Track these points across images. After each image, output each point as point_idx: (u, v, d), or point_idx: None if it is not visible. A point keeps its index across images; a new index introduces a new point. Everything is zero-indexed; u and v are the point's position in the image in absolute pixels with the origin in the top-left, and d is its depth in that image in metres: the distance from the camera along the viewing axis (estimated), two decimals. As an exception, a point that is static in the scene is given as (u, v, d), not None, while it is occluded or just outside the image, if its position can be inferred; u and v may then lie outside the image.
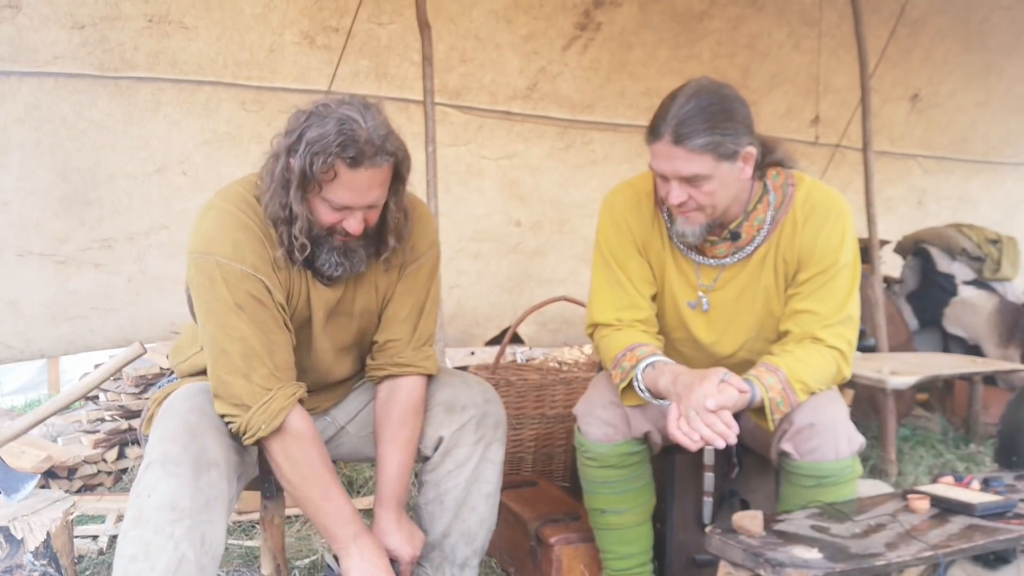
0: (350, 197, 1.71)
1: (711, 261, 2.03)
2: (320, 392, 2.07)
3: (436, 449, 2.00)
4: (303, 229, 1.75)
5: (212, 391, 1.79)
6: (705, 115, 1.80)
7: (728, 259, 2.02)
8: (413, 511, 2.11)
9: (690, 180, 1.84)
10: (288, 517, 2.80)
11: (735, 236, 1.99)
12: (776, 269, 1.99)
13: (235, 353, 1.74)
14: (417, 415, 1.98)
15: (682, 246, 2.04)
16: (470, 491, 1.99)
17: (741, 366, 1.93)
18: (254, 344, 1.74)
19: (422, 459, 2.03)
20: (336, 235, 1.78)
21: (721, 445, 1.73)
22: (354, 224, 1.75)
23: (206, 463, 1.69)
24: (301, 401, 1.83)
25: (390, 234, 1.86)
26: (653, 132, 1.86)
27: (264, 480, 2.04)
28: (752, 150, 1.88)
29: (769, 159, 1.97)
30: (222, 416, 1.78)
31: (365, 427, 2.08)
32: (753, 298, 2.02)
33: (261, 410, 1.74)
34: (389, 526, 1.90)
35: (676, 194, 1.86)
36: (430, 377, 2.02)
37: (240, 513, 2.87)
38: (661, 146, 1.84)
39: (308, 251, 1.78)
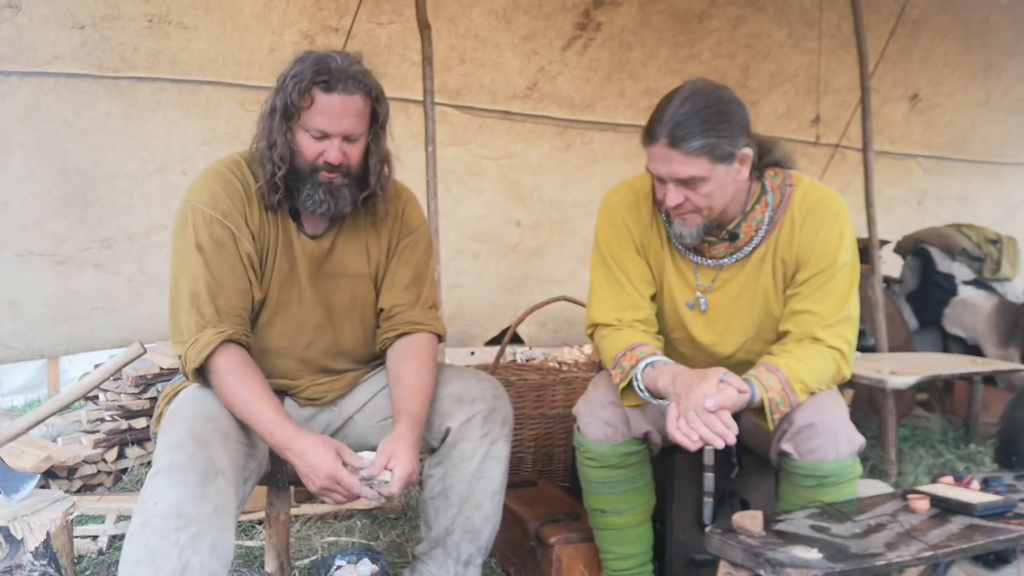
0: (326, 123, 1.83)
1: (709, 262, 2.03)
2: (325, 382, 2.09)
3: (443, 441, 2.01)
4: (283, 156, 1.86)
5: (171, 336, 1.91)
6: (701, 117, 1.81)
7: (726, 260, 2.02)
8: (415, 510, 2.10)
9: (686, 182, 1.84)
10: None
11: (733, 237, 1.99)
12: (775, 269, 1.99)
13: (185, 289, 1.88)
14: (433, 368, 2.01)
15: (680, 246, 2.05)
16: (475, 487, 2.00)
17: (740, 366, 1.93)
18: (201, 284, 1.86)
19: (429, 451, 2.04)
20: (320, 171, 1.87)
21: (720, 445, 1.73)
22: (333, 153, 1.85)
23: (213, 471, 1.71)
24: (242, 344, 1.88)
25: (372, 176, 1.95)
26: (649, 135, 1.86)
27: (276, 472, 2.04)
28: (748, 151, 1.88)
29: (767, 160, 1.97)
30: (177, 357, 1.88)
31: (371, 417, 2.10)
32: (752, 298, 2.02)
33: (193, 345, 1.84)
34: (397, 437, 1.83)
35: (673, 196, 1.87)
36: (440, 340, 2.08)
37: (240, 513, 2.86)
38: (657, 149, 1.85)
39: (284, 172, 1.86)
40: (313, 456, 1.76)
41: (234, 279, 1.90)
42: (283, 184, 1.88)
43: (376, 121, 1.92)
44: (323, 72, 1.80)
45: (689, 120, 1.80)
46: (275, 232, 1.96)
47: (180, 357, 1.87)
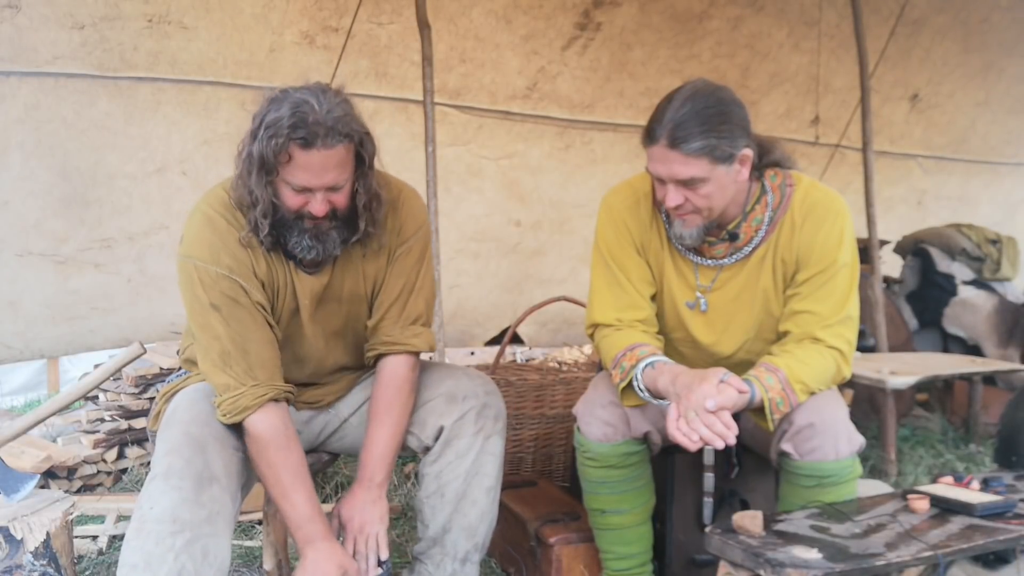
0: (307, 178, 1.75)
1: (708, 262, 2.03)
2: (323, 386, 2.10)
3: (437, 439, 2.01)
4: (266, 212, 1.79)
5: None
6: (701, 119, 1.80)
7: (726, 260, 2.02)
8: (413, 509, 2.10)
9: (686, 183, 1.84)
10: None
11: (733, 237, 1.99)
12: (775, 270, 1.99)
13: (213, 350, 1.83)
14: (404, 395, 1.98)
15: (680, 247, 2.05)
16: (470, 483, 2.00)
17: (740, 366, 1.93)
18: (228, 343, 1.82)
19: (423, 450, 2.04)
20: (305, 219, 1.81)
21: (720, 445, 1.73)
22: (317, 206, 1.78)
23: (208, 477, 1.72)
24: (286, 401, 1.87)
25: (361, 218, 1.88)
26: (649, 135, 1.86)
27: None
28: (748, 152, 1.88)
29: (766, 160, 1.97)
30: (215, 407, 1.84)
31: (367, 419, 2.09)
32: (752, 299, 2.02)
33: (229, 402, 1.81)
34: (355, 501, 1.89)
35: (673, 197, 1.87)
36: (419, 356, 2.03)
37: (240, 513, 2.86)
38: (657, 150, 1.85)
39: (267, 231, 1.81)
40: (320, 569, 1.76)
41: (257, 330, 1.85)
42: (269, 237, 1.82)
43: (363, 163, 1.83)
44: (300, 126, 1.69)
45: (689, 121, 1.80)
46: (282, 273, 1.91)
47: (216, 405, 1.83)
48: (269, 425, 1.81)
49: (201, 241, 1.84)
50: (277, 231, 1.83)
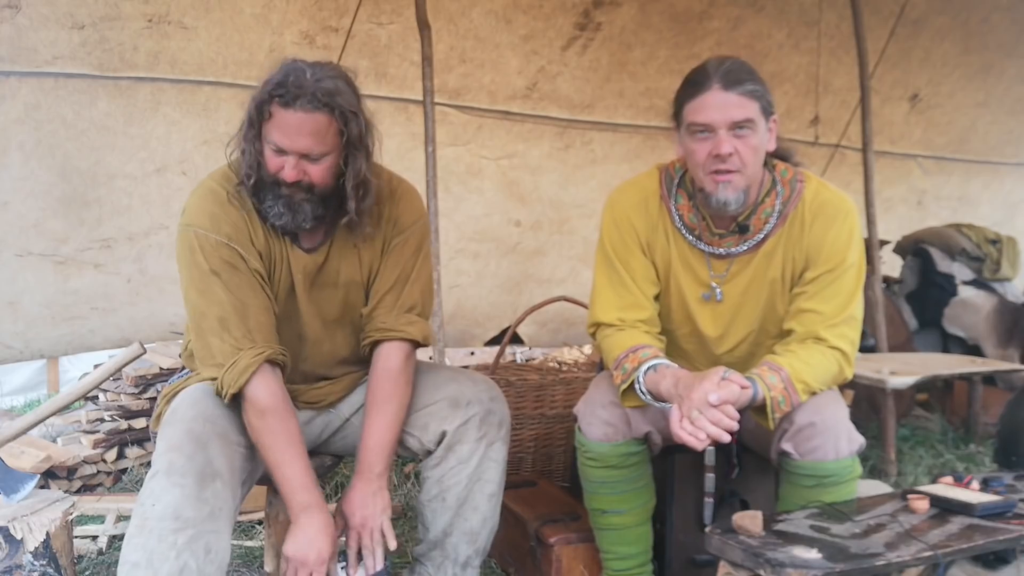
0: (281, 138, 1.78)
1: (720, 251, 2.03)
2: (325, 385, 2.09)
3: (439, 444, 2.01)
4: (251, 166, 1.83)
5: (196, 356, 1.89)
6: (746, 68, 1.88)
7: (736, 248, 2.02)
8: (414, 510, 2.10)
9: (739, 127, 1.85)
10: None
11: (743, 229, 2.00)
12: (784, 265, 2.00)
13: (211, 316, 1.84)
14: (401, 384, 1.97)
15: (691, 238, 2.04)
16: (472, 489, 1.99)
17: (741, 361, 1.93)
18: (228, 308, 1.84)
19: (425, 453, 2.04)
20: (282, 185, 1.83)
21: (727, 438, 1.73)
22: (289, 170, 1.80)
23: (210, 474, 1.72)
24: (280, 365, 1.87)
25: (349, 199, 1.88)
26: (696, 86, 1.87)
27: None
28: (776, 120, 1.92)
29: (776, 150, 1.99)
30: (212, 379, 1.84)
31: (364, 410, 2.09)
32: (759, 291, 2.03)
33: (230, 369, 1.80)
34: (355, 495, 1.89)
35: (727, 144, 1.85)
36: (415, 346, 2.02)
37: (240, 513, 2.86)
38: (710, 96, 1.85)
39: (251, 184, 1.84)
40: (309, 539, 1.77)
41: (256, 297, 1.87)
42: (250, 193, 1.86)
43: (351, 144, 1.84)
44: (283, 85, 1.74)
45: (739, 68, 1.87)
46: (278, 247, 1.93)
47: (215, 380, 1.82)
48: (267, 391, 1.81)
49: (202, 211, 1.87)
50: (256, 191, 1.86)
